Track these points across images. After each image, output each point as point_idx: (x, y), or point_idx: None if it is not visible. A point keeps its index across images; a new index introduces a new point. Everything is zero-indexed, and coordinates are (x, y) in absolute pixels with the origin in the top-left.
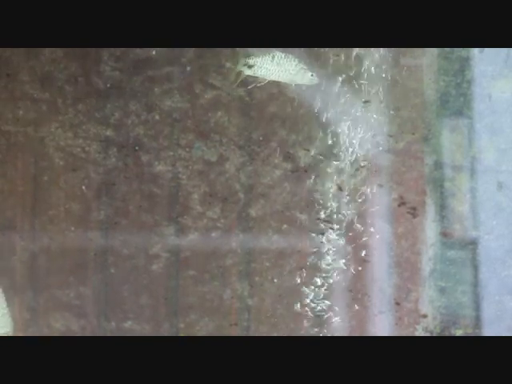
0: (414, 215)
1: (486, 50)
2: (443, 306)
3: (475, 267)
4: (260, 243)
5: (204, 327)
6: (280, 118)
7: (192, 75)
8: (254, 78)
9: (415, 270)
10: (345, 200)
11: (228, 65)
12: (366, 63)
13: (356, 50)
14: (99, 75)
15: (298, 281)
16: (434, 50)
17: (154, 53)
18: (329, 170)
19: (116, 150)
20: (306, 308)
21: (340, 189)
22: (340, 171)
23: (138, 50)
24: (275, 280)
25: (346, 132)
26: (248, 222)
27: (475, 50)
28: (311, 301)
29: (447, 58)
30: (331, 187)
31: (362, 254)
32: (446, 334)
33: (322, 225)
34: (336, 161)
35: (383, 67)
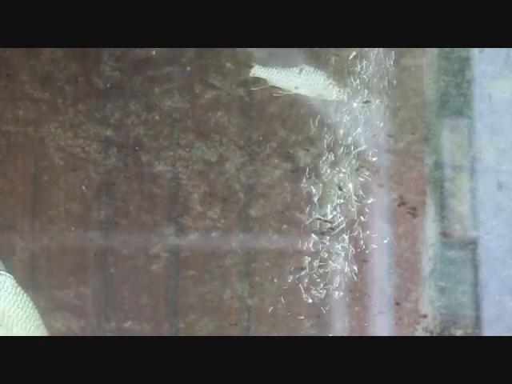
0: (414, 215)
1: (486, 49)
2: (443, 306)
3: (475, 267)
4: (260, 243)
5: (204, 327)
6: (280, 118)
7: (192, 75)
8: (278, 89)
9: (415, 270)
10: (345, 200)
11: (228, 65)
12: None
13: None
14: (99, 75)
15: (298, 281)
16: (434, 50)
17: (153, 53)
18: (329, 170)
19: (116, 150)
20: (306, 308)
21: (340, 189)
22: (340, 171)
23: (137, 50)
24: (275, 280)
25: (347, 132)
26: (248, 222)
27: (475, 50)
28: (311, 300)
29: (447, 58)
30: (331, 187)
31: (362, 254)
32: (446, 334)
33: (322, 225)
34: (336, 161)
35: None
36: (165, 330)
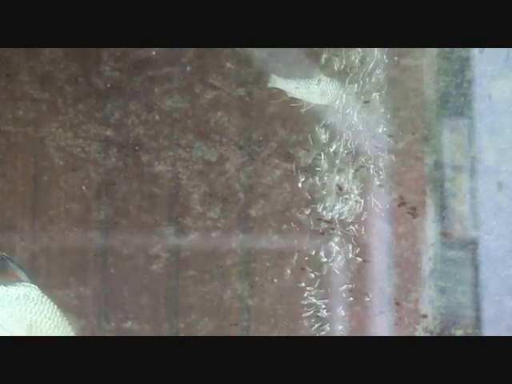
0: (414, 215)
1: (486, 50)
2: (443, 306)
3: (475, 267)
4: (260, 243)
5: (204, 327)
6: (280, 118)
7: (192, 75)
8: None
9: (415, 270)
10: (345, 200)
11: (228, 65)
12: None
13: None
14: (99, 75)
15: (298, 281)
16: (434, 50)
17: (153, 53)
18: (329, 170)
19: (116, 150)
20: (306, 308)
21: (340, 189)
22: (340, 171)
23: (137, 50)
24: (275, 280)
25: (347, 132)
26: (248, 222)
27: (475, 50)
28: (311, 300)
29: (447, 58)
30: (331, 187)
31: (362, 254)
32: (446, 334)
33: (322, 225)
34: (336, 161)
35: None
36: (165, 330)
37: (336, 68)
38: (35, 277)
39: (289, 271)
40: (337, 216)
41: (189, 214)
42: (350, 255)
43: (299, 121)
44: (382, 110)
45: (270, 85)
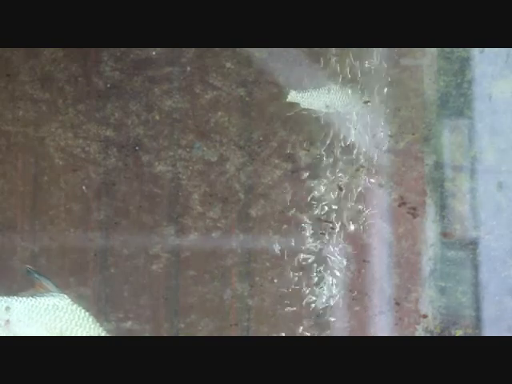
0: (414, 215)
1: (486, 50)
2: (443, 306)
3: (475, 267)
4: (260, 243)
5: (204, 327)
6: (280, 118)
7: (192, 75)
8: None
9: (415, 270)
10: (345, 200)
11: (228, 65)
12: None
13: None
14: (99, 75)
15: (298, 281)
16: (434, 50)
17: (154, 53)
18: (329, 170)
19: (116, 150)
20: (306, 308)
21: (340, 189)
22: (340, 171)
23: (138, 51)
24: (275, 280)
25: (347, 132)
26: (248, 222)
27: (475, 51)
28: (311, 300)
29: (447, 59)
30: (331, 187)
31: (363, 255)
32: (446, 334)
33: (322, 225)
34: (336, 161)
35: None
36: (165, 330)
37: (339, 70)
38: None
39: (289, 271)
40: (337, 216)
41: (189, 214)
42: (350, 255)
43: (299, 121)
44: (382, 110)
45: (288, 100)
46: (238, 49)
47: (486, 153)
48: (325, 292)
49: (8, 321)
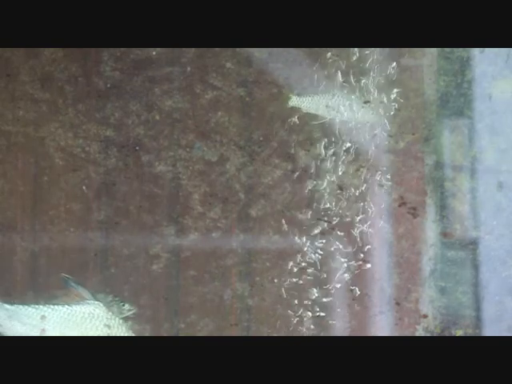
0: (415, 215)
1: (487, 50)
2: (443, 307)
3: (475, 267)
4: (260, 243)
5: (204, 327)
6: (280, 118)
7: (192, 75)
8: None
9: (415, 270)
10: (345, 200)
11: (228, 65)
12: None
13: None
14: (99, 75)
15: (298, 281)
16: (435, 50)
17: (154, 53)
18: (329, 170)
19: (116, 150)
20: (307, 308)
21: (340, 189)
22: (340, 171)
23: (138, 51)
24: (275, 280)
25: (347, 132)
26: (248, 222)
27: (475, 51)
28: (311, 300)
29: (447, 59)
30: (332, 187)
31: (363, 255)
32: (447, 334)
33: (322, 225)
34: (336, 161)
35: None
36: (165, 330)
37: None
38: (35, 277)
39: (289, 271)
40: (337, 216)
41: (189, 214)
42: (351, 255)
43: (299, 121)
44: (383, 111)
45: (290, 105)
46: (238, 49)
47: (486, 153)
48: (325, 292)
49: (44, 330)
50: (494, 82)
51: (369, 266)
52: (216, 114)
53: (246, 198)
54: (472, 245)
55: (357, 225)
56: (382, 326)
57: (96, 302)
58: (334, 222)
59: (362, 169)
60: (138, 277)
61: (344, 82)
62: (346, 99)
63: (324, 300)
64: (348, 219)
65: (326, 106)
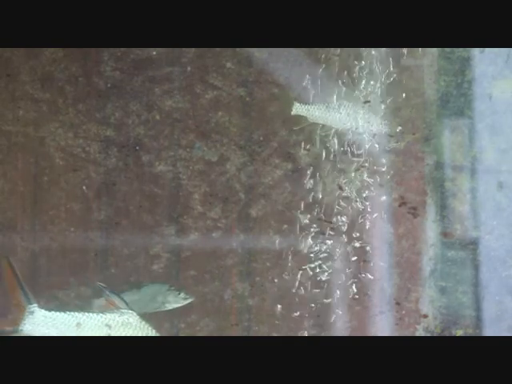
0: (415, 215)
1: (487, 50)
2: (444, 306)
3: (476, 267)
4: (260, 243)
5: (205, 327)
6: (280, 118)
7: (192, 75)
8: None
9: (416, 270)
10: (345, 200)
11: (228, 65)
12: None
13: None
14: (100, 75)
15: (299, 281)
16: (435, 50)
17: (154, 53)
18: (329, 170)
19: (116, 150)
20: (307, 308)
21: (341, 189)
22: (341, 171)
23: (138, 51)
24: (276, 280)
25: (347, 132)
26: (249, 222)
27: (476, 51)
28: (311, 300)
29: (448, 59)
30: (332, 187)
31: (363, 254)
32: (447, 334)
33: (322, 225)
34: (337, 161)
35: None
36: (165, 330)
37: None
38: (35, 277)
39: (289, 271)
40: (337, 216)
41: (189, 214)
42: (351, 255)
43: (300, 121)
44: (383, 110)
45: (293, 112)
46: (238, 49)
47: (487, 153)
48: (325, 292)
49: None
50: (494, 81)
51: (369, 265)
52: (216, 113)
53: (246, 198)
54: (472, 245)
55: (357, 225)
56: (382, 325)
57: (130, 311)
58: (334, 222)
59: (362, 169)
60: (138, 277)
61: (344, 82)
62: (353, 109)
63: (324, 300)
64: (348, 219)
65: (332, 116)
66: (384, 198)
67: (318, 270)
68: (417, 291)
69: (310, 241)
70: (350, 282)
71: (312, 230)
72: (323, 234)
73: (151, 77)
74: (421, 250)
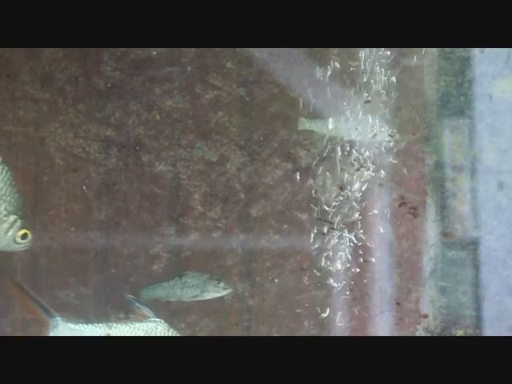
0: (415, 215)
1: (487, 50)
2: (444, 306)
3: (476, 267)
4: (261, 243)
5: (205, 327)
6: (280, 118)
7: (192, 75)
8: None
9: (416, 270)
10: (345, 200)
11: (229, 65)
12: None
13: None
14: (100, 75)
15: (299, 281)
16: (435, 50)
17: (154, 53)
18: (329, 170)
19: (116, 150)
20: (307, 308)
21: (341, 189)
22: (341, 171)
23: (138, 51)
24: (276, 280)
25: (347, 132)
26: (249, 222)
27: (476, 51)
28: (311, 300)
29: (448, 59)
30: (332, 187)
31: (363, 255)
32: (447, 334)
33: (322, 225)
34: (337, 161)
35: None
36: None
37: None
38: (36, 277)
39: (289, 271)
40: (337, 216)
41: (189, 214)
42: (351, 255)
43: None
44: (383, 110)
45: (299, 128)
46: (238, 49)
47: (487, 153)
48: (325, 292)
49: None
50: (494, 81)
51: (369, 265)
52: (216, 113)
53: (246, 198)
54: (472, 245)
55: (357, 225)
56: (382, 325)
57: (158, 320)
58: (334, 222)
59: (362, 169)
60: (138, 277)
61: (344, 82)
62: (362, 121)
63: (324, 300)
64: (348, 219)
65: (341, 129)
66: (384, 197)
67: (318, 269)
68: (417, 291)
69: (309, 241)
70: (350, 282)
71: (312, 230)
72: (323, 233)
73: (151, 77)
74: (421, 250)
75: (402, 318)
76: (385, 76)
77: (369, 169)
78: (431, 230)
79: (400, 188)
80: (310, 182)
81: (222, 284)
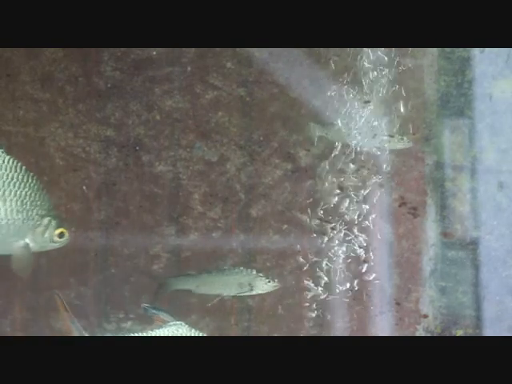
0: (415, 215)
1: (487, 50)
2: (444, 306)
3: (476, 267)
4: (261, 243)
5: (205, 327)
6: (281, 118)
7: (192, 75)
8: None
9: (416, 270)
10: (345, 200)
11: (229, 65)
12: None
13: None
14: (100, 75)
15: (299, 281)
16: (435, 50)
17: (154, 53)
18: (329, 170)
19: (116, 150)
20: (307, 308)
21: (341, 189)
22: (341, 171)
23: (138, 51)
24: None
25: (347, 132)
26: (249, 222)
27: (476, 51)
28: (311, 300)
29: (448, 59)
30: (332, 187)
31: (363, 255)
32: (447, 334)
33: (322, 225)
34: (337, 161)
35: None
36: None
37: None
38: (36, 277)
39: (289, 271)
40: (337, 216)
41: (189, 214)
42: (351, 255)
43: (300, 121)
44: (383, 111)
45: (309, 134)
46: (238, 49)
47: (487, 153)
48: (325, 292)
49: None
50: (494, 81)
51: (369, 265)
52: (216, 114)
53: (246, 198)
54: (472, 245)
55: (357, 225)
56: (382, 325)
57: (178, 322)
58: (334, 222)
59: (362, 169)
60: (138, 277)
61: (345, 82)
62: (372, 127)
63: (324, 300)
64: (348, 219)
65: (351, 134)
66: (384, 198)
67: (317, 269)
68: (417, 291)
69: (309, 241)
70: (350, 282)
71: (312, 230)
72: (323, 234)
73: (151, 77)
74: (421, 250)
75: (401, 318)
76: (385, 76)
77: (369, 169)
78: (431, 230)
79: (400, 188)
80: (310, 182)
81: (270, 281)
